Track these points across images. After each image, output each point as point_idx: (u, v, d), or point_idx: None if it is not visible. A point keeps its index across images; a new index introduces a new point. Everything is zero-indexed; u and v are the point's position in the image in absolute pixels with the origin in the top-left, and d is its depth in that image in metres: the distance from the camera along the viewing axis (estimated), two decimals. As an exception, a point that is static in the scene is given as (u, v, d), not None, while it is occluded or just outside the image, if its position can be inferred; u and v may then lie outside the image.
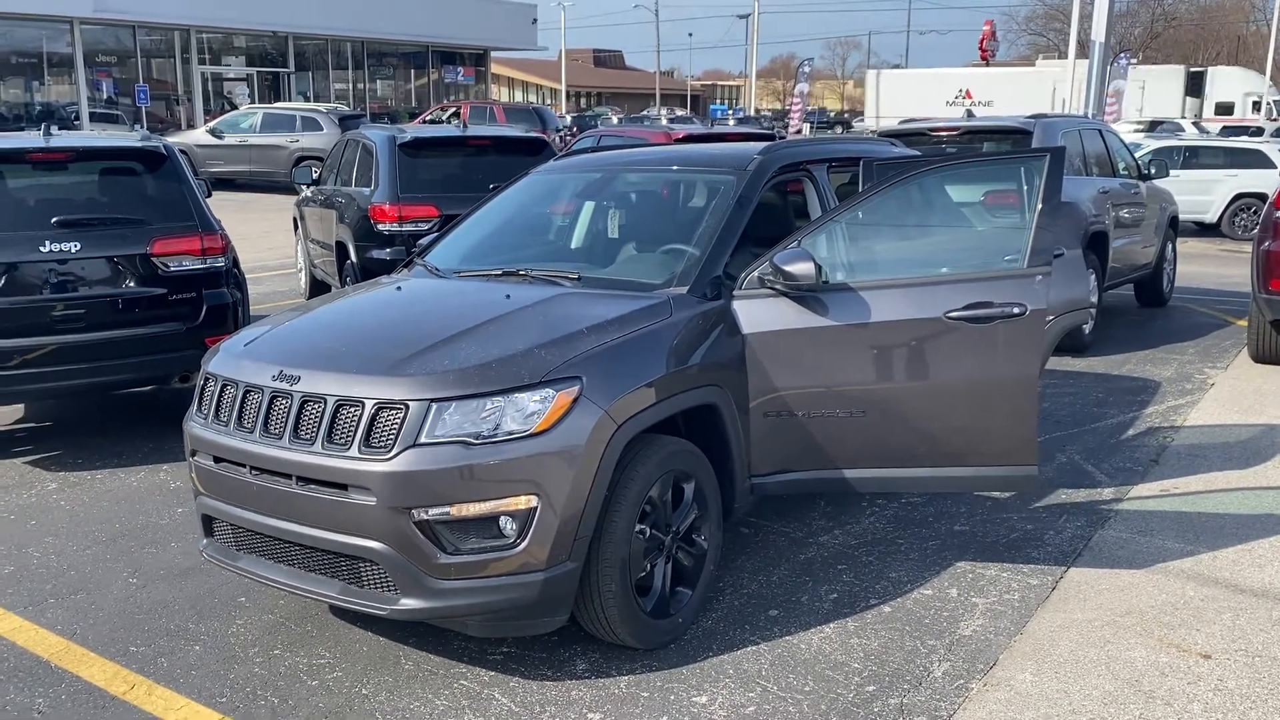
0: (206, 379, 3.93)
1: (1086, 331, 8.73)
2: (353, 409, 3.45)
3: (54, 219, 6.02)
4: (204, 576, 4.51)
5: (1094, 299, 8.84)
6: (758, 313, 4.17)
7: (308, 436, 3.51)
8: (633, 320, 3.86)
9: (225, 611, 4.24)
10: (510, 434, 3.40)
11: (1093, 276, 8.79)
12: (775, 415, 4.19)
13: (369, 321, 4.12)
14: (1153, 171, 10.38)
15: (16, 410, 7.16)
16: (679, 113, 55.73)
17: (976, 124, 9.12)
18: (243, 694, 3.64)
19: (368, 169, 9.06)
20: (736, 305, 4.18)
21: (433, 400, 3.38)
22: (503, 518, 3.42)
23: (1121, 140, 10.43)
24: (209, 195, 8.80)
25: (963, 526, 4.97)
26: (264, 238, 16.06)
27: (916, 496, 5.25)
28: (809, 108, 44.87)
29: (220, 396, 3.82)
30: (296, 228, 12.08)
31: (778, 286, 4.11)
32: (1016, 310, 3.98)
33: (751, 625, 4.06)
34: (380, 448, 3.38)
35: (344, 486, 3.43)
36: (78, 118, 29.04)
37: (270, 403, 3.62)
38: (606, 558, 3.59)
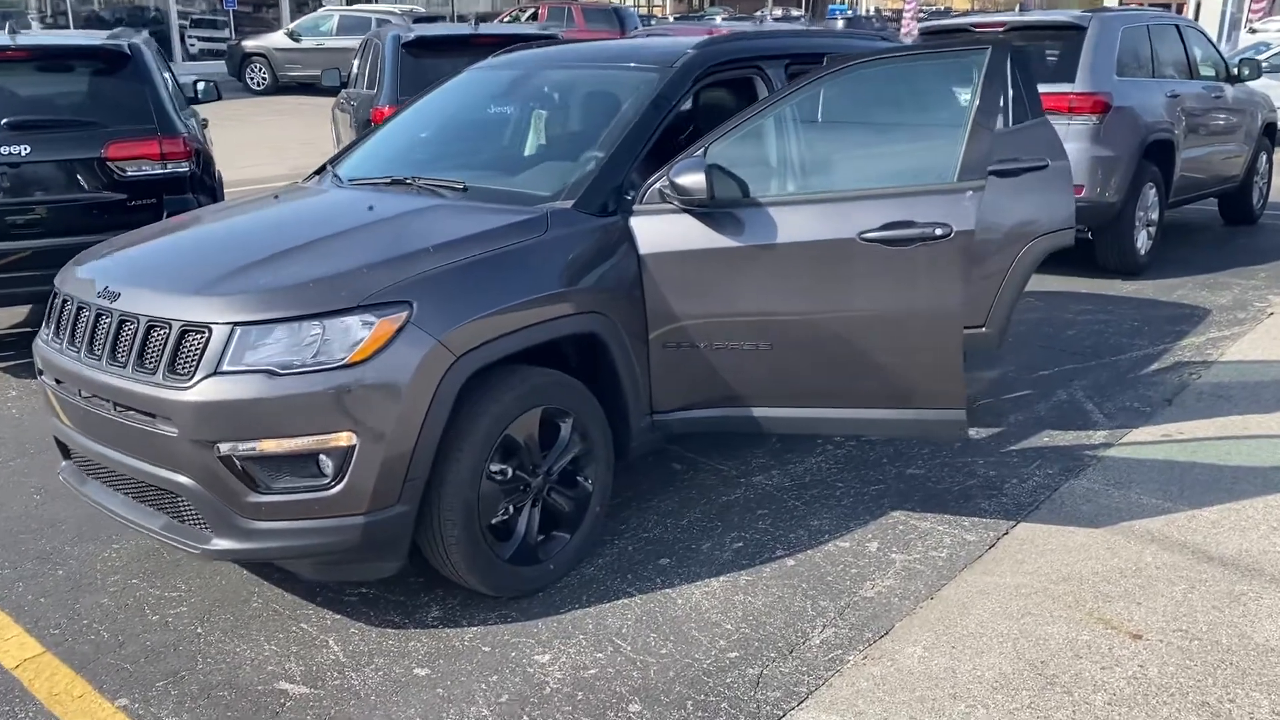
0: (54, 292, 3.69)
1: (1143, 252, 7.94)
2: (161, 331, 3.16)
3: (3, 120, 5.85)
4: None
5: (1153, 216, 8.02)
6: (656, 231, 3.71)
7: (122, 359, 3.24)
8: (494, 238, 3.45)
9: (106, 535, 4.07)
10: (323, 364, 3.06)
11: (1154, 191, 7.96)
12: (676, 346, 3.76)
13: (216, 236, 3.80)
14: (1244, 73, 9.30)
15: (18, 313, 7.14)
16: (792, 13, 53.40)
17: (1025, 19, 8.24)
18: (78, 626, 3.46)
19: (375, 71, 8.72)
20: (634, 222, 3.73)
21: (236, 323, 3.06)
22: (321, 456, 3.10)
23: (1206, 37, 9.35)
24: (216, 98, 8.64)
25: (917, 470, 4.48)
26: (322, 142, 15.97)
27: (874, 436, 4.76)
28: (933, 6, 42.20)
29: (61, 313, 3.58)
30: (334, 130, 11.89)
31: (676, 201, 3.64)
32: (940, 232, 3.43)
33: (635, 575, 3.69)
34: (183, 375, 3.09)
35: (153, 415, 3.16)
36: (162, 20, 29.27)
37: (95, 321, 3.36)
38: (447, 501, 3.25)
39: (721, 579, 3.65)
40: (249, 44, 23.99)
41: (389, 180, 4.10)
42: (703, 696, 3.02)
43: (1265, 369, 5.69)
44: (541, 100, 4.60)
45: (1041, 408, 5.18)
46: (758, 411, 3.81)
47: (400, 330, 3.11)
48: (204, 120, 8.15)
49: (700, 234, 3.66)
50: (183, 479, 3.14)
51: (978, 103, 3.47)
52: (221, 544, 3.17)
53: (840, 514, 4.10)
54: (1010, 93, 4.53)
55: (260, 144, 15.77)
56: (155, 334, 3.17)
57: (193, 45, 29.58)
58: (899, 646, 3.24)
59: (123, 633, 3.42)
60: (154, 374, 3.14)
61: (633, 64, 4.29)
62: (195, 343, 3.09)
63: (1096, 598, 3.48)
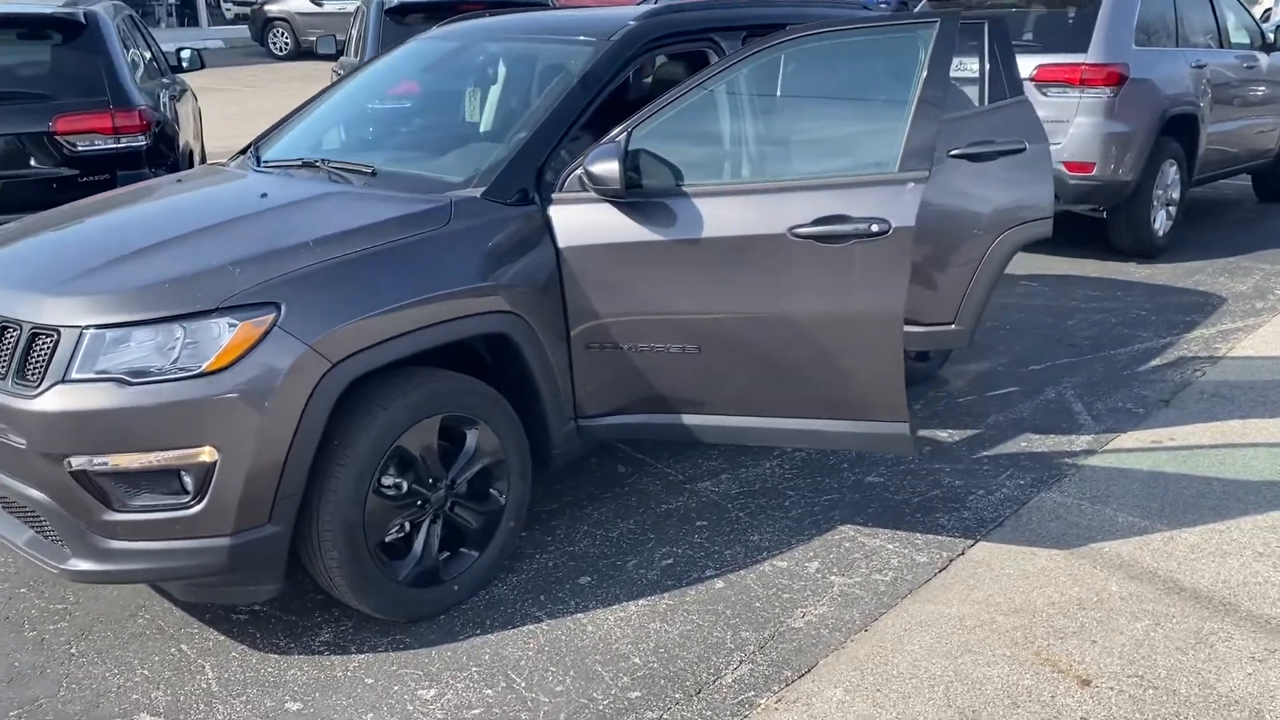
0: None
1: (1161, 233, 7.48)
2: (11, 333, 2.90)
3: (-53, 94, 5.64)
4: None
5: (1174, 194, 7.54)
6: (576, 222, 3.39)
7: (-24, 365, 2.99)
8: (386, 230, 3.15)
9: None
10: (180, 372, 2.78)
11: (1174, 169, 7.48)
12: (599, 348, 3.45)
13: (94, 228, 3.51)
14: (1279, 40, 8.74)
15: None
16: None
17: (1040, -17, 7.73)
18: (-51, 643, 3.25)
19: (361, 37, 8.42)
20: (553, 212, 3.41)
21: (85, 327, 2.79)
22: (182, 473, 2.84)
23: (1242, 3, 8.78)
24: (200, 66, 8.39)
25: (877, 478, 4.15)
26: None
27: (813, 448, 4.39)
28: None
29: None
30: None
31: (593, 189, 3.31)
32: (876, 229, 3.08)
33: (549, 595, 3.41)
34: (31, 382, 2.83)
35: (4, 426, 2.91)
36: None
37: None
38: (326, 520, 2.98)
39: (641, 602, 3.35)
40: (271, 8, 23.70)
41: (300, 163, 3.80)
42: (589, 745, 2.74)
43: (1277, 366, 5.26)
44: (477, 75, 4.28)
45: (1025, 408, 4.81)
46: (689, 419, 3.50)
47: (265, 335, 2.83)
48: (182, 90, 7.91)
49: (622, 225, 3.33)
50: (36, 494, 2.89)
51: (923, 83, 3.10)
52: (80, 565, 2.92)
53: (784, 528, 3.78)
54: (987, 67, 4.14)
55: (262, 113, 15.53)
56: (6, 337, 2.92)
57: (228, 10, 29.44)
58: (818, 688, 2.93)
59: (-6, 651, 3.21)
60: (3, 379, 2.89)
61: (569, 36, 3.94)
62: (44, 347, 2.83)
63: (1048, 634, 3.14)
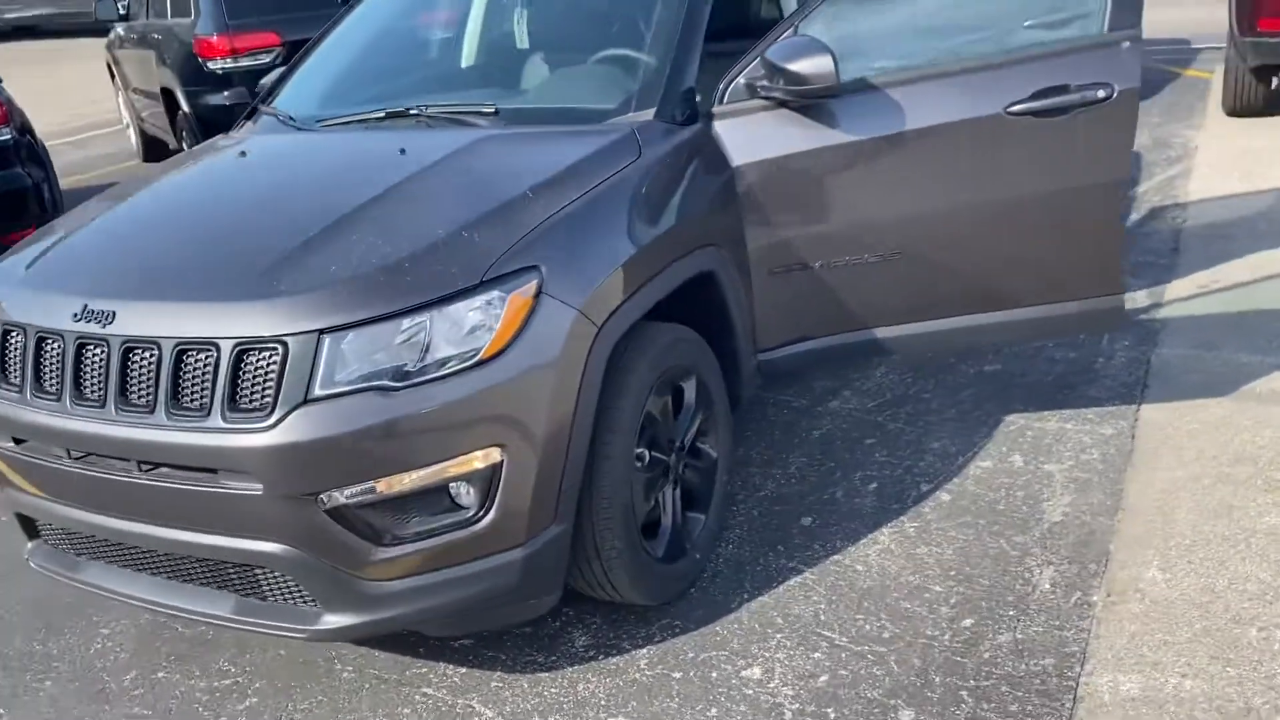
0: (-18, 326, 2.70)
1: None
2: (203, 355, 2.29)
3: None
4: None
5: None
6: (750, 135, 3.05)
7: (142, 401, 2.35)
8: (592, 168, 2.71)
9: (80, 621, 3.15)
10: (448, 364, 2.29)
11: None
12: (784, 271, 3.15)
13: (207, 212, 2.85)
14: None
15: None
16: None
17: None
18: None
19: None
20: (719, 127, 3.05)
21: (323, 330, 2.24)
22: (454, 484, 2.35)
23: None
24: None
25: (993, 366, 4.09)
26: (81, 90, 14.02)
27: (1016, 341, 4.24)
28: None
29: (3, 349, 2.60)
30: (113, 76, 10.26)
31: (775, 95, 2.99)
32: (1101, 93, 2.94)
33: (786, 544, 3.14)
34: (254, 410, 2.25)
35: (212, 471, 2.31)
36: None
37: (78, 354, 2.43)
38: (604, 508, 2.58)
39: (885, 531, 3.14)
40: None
41: (383, 113, 3.22)
42: (973, 683, 2.53)
43: (1240, 204, 5.60)
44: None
45: (1064, 276, 4.88)
46: (882, 332, 3.27)
47: (536, 304, 2.37)
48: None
49: (805, 132, 3.03)
50: (269, 548, 2.32)
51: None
52: (338, 620, 2.38)
53: (953, 430, 3.66)
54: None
55: None
56: (193, 361, 2.30)
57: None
58: (1132, 572, 2.85)
59: (190, 753, 2.60)
60: (204, 415, 2.28)
61: None
62: (263, 365, 2.25)
63: (1286, 475, 3.20)
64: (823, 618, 2.81)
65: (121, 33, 9.24)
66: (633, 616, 2.89)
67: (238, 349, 2.25)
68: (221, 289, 2.35)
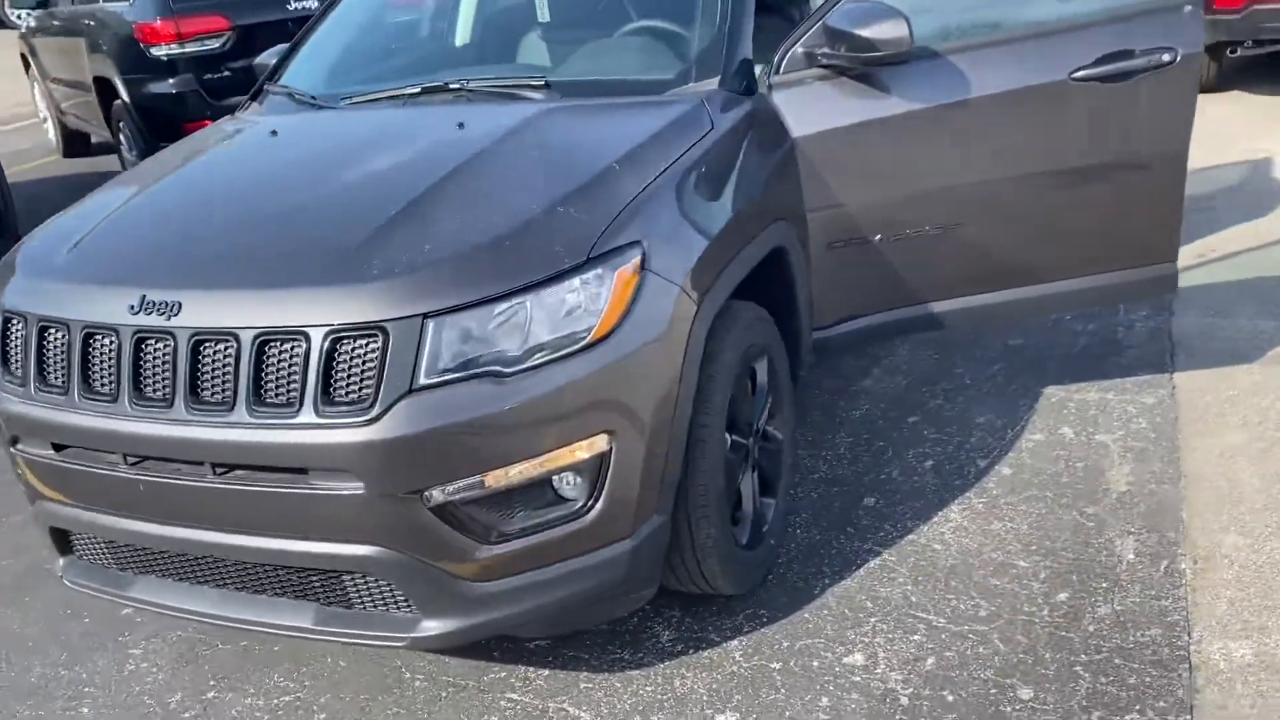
0: (6, 321, 2.45)
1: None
2: (289, 345, 2.10)
3: None
4: (52, 588, 3.14)
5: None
6: (809, 105, 2.96)
7: (217, 398, 2.15)
8: (671, 140, 2.58)
9: (104, 642, 2.92)
10: (559, 346, 2.14)
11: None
12: (844, 245, 3.07)
13: (259, 193, 2.63)
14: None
15: None
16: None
17: None
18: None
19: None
20: (778, 98, 2.95)
21: (427, 314, 2.07)
22: (558, 475, 2.21)
23: None
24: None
25: (1017, 340, 4.07)
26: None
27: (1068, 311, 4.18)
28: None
29: (41, 347, 2.37)
30: (28, 67, 9.72)
31: (837, 62, 2.89)
32: (1165, 58, 2.92)
33: (854, 527, 3.06)
34: (353, 403, 2.08)
35: (301, 471, 2.13)
36: None
37: (137, 350, 2.22)
38: (701, 495, 2.46)
39: (954, 508, 3.08)
40: None
41: (418, 89, 3.03)
42: (1085, 657, 2.48)
43: (1215, 175, 5.70)
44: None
45: (1063, 250, 4.91)
46: (938, 306, 3.21)
47: (641, 280, 2.24)
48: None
49: (867, 101, 2.95)
50: (365, 551, 2.15)
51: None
52: (438, 626, 2.22)
53: (995, 404, 3.62)
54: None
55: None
56: (278, 352, 2.11)
57: None
58: (1212, 540, 2.83)
59: (264, 777, 2.41)
60: (293, 411, 2.09)
61: None
62: (360, 354, 2.08)
63: (1337, 435, 3.23)
64: (913, 599, 2.73)
65: (35, 21, 8.73)
66: (714, 607, 2.77)
67: (331, 337, 2.07)
68: (306, 273, 2.16)
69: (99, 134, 8.34)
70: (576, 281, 2.16)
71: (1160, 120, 2.97)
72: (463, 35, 3.55)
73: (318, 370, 2.07)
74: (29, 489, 2.55)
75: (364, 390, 2.07)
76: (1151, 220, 3.09)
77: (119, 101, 7.10)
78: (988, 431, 3.46)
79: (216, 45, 6.63)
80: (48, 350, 2.35)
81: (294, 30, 6.71)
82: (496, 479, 2.13)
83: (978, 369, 3.88)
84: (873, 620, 2.67)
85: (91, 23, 7.37)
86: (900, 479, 3.26)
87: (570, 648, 2.68)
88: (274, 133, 2.97)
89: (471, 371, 2.08)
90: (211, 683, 2.72)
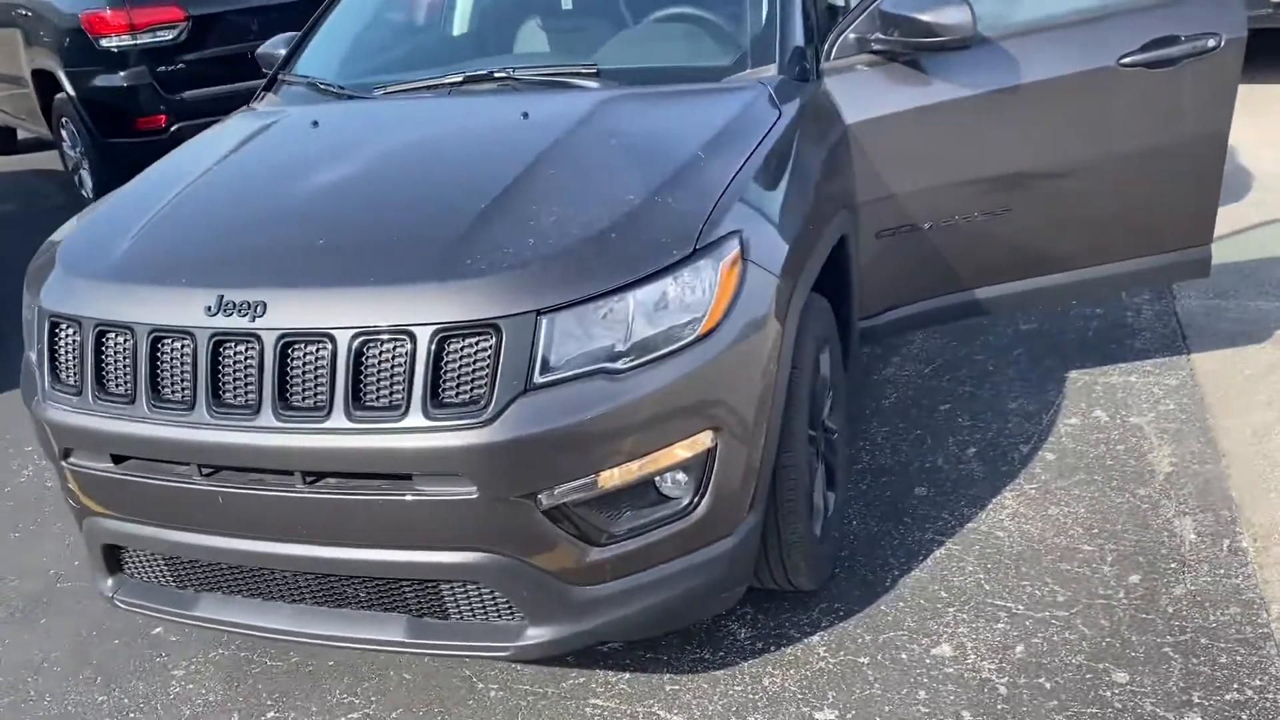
0: (54, 326, 2.29)
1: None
2: (393, 345, 2.00)
3: None
4: (70, 608, 2.97)
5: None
6: (860, 91, 2.93)
7: (311, 403, 2.04)
8: (746, 127, 2.53)
9: (141, 664, 2.76)
10: (670, 341, 2.08)
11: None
12: (893, 233, 3.05)
13: (327, 184, 2.48)
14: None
15: None
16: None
17: None
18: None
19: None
20: (830, 84, 2.91)
21: (540, 311, 1.99)
22: (664, 474, 2.14)
23: None
24: None
25: (1031, 325, 4.11)
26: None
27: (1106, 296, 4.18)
28: None
29: (99, 353, 2.22)
30: (-50, 60, 9.22)
31: (891, 48, 2.87)
32: (1211, 43, 2.96)
33: (911, 516, 3.04)
34: (465, 405, 1.98)
35: (404, 477, 2.02)
36: None
37: (215, 354, 2.09)
38: (790, 490, 2.41)
39: (1007, 495, 3.09)
40: None
41: (461, 78, 2.92)
42: (1171, 638, 2.49)
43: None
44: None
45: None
46: (982, 293, 3.22)
47: (743, 272, 2.18)
48: None
49: (919, 87, 2.93)
50: (472, 558, 2.06)
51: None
52: (546, 633, 2.14)
53: (1023, 390, 3.64)
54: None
55: None
56: (380, 353, 2.00)
57: None
58: (1268, 516, 2.88)
59: (348, 799, 2.30)
60: (399, 414, 1.99)
61: None
62: (471, 354, 1.98)
63: (1361, 413, 3.32)
64: (987, 587, 2.72)
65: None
66: (785, 604, 2.73)
67: (439, 336, 1.97)
68: (404, 269, 2.05)
69: (30, 130, 7.97)
70: (686, 274, 2.09)
71: (1203, 105, 3.01)
72: (489, 22, 3.44)
73: (425, 371, 1.97)
74: (77, 506, 2.38)
75: (476, 391, 1.97)
76: (1191, 204, 3.13)
77: (61, 95, 6.77)
78: (1023, 417, 3.48)
79: (171, 36, 6.36)
80: (107, 356, 2.20)
81: (252, 21, 6.64)
82: (608, 479, 2.06)
83: (998, 355, 3.90)
84: (951, 610, 2.66)
85: (28, 12, 7.01)
86: (947, 468, 3.25)
87: (645, 649, 2.61)
88: (315, 124, 2.83)
89: (585, 369, 2.01)
90: (269, 701, 2.59)
